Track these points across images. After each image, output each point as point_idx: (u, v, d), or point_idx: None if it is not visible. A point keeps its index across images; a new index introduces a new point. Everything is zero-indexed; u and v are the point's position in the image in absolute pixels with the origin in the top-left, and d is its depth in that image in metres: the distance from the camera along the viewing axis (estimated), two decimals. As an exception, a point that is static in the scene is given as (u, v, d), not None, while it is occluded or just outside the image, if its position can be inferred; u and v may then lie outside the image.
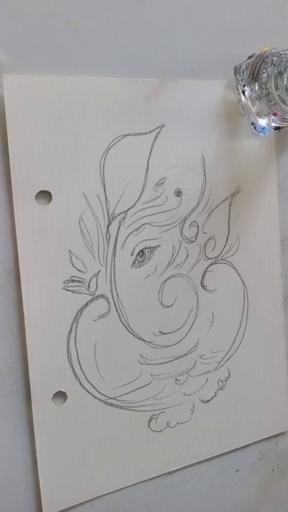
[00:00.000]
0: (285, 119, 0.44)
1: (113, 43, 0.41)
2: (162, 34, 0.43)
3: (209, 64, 0.45)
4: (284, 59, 0.41)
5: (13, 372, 0.40)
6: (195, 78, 0.45)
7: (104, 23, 0.41)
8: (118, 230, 0.42)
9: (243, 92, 0.45)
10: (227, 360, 0.49)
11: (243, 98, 0.45)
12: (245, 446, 0.51)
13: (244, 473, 0.52)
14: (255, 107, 0.45)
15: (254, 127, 0.47)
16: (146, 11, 0.42)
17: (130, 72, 0.42)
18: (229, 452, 0.51)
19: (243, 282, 0.49)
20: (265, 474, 0.54)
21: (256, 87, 0.43)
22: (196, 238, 0.46)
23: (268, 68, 0.42)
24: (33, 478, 0.42)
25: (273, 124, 0.45)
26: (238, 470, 0.52)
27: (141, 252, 0.43)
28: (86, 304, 0.42)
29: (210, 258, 0.47)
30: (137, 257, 0.43)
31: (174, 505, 0.49)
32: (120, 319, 0.43)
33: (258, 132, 0.47)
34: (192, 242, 0.46)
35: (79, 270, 0.41)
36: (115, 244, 0.42)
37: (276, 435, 0.53)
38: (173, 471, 0.48)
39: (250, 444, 0.52)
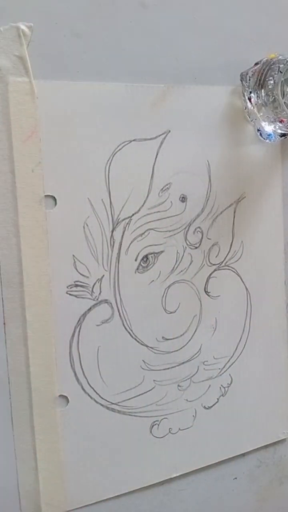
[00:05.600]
0: (291, 126, 0.44)
1: (116, 49, 0.41)
2: (165, 40, 0.43)
3: (213, 71, 0.45)
4: (291, 67, 0.41)
5: (15, 376, 0.40)
6: (199, 84, 0.45)
7: (107, 29, 0.41)
8: (122, 235, 0.42)
9: (249, 99, 0.45)
10: (229, 366, 0.49)
11: (249, 104, 0.45)
12: (243, 454, 0.51)
13: (242, 481, 0.52)
14: (261, 114, 0.45)
15: (260, 134, 0.46)
16: (150, 17, 0.42)
17: (133, 79, 0.42)
18: (227, 460, 0.50)
19: (246, 289, 0.49)
20: (263, 482, 0.54)
21: (263, 94, 0.43)
22: (200, 244, 0.46)
23: (275, 75, 0.42)
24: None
25: (279, 131, 0.45)
26: (236, 478, 0.52)
27: (145, 257, 0.43)
28: (90, 309, 0.42)
29: (214, 264, 0.47)
30: (141, 263, 0.43)
31: (173, 512, 0.48)
32: (123, 325, 0.43)
33: (264, 138, 0.47)
34: (196, 248, 0.46)
35: (82, 275, 0.41)
36: (119, 249, 0.42)
37: (275, 443, 0.53)
38: (171, 478, 0.47)
39: (248, 452, 0.51)
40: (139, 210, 0.43)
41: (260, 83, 0.43)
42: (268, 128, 0.45)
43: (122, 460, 0.45)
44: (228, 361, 0.49)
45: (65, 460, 0.42)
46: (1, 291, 0.39)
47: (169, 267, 0.45)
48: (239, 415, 0.50)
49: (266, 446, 0.53)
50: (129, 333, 0.43)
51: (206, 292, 0.47)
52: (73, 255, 0.41)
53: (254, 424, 0.51)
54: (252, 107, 0.45)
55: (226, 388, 0.49)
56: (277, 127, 0.45)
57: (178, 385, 0.46)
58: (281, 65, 0.42)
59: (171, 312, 0.45)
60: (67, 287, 0.41)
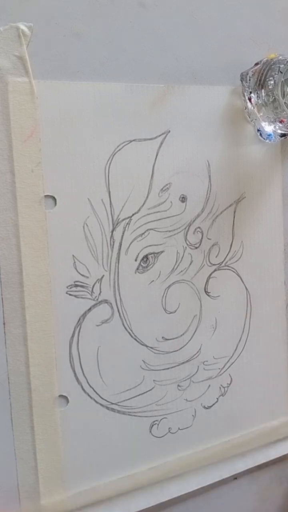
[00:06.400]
0: (291, 126, 0.44)
1: (115, 49, 0.41)
2: (165, 40, 0.43)
3: (212, 71, 0.45)
4: (291, 67, 0.41)
5: (15, 376, 0.40)
6: (198, 84, 0.45)
7: (107, 29, 0.41)
8: (122, 236, 0.42)
9: (249, 99, 0.45)
10: (229, 366, 0.49)
11: (249, 104, 0.45)
12: (243, 454, 0.51)
13: (242, 481, 0.52)
14: (261, 114, 0.45)
15: (260, 134, 0.46)
16: (149, 17, 0.42)
17: (133, 79, 0.42)
18: (227, 459, 0.50)
19: (246, 289, 0.49)
20: (263, 482, 0.54)
21: (263, 94, 0.43)
22: (200, 244, 0.46)
23: (275, 76, 0.42)
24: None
25: (279, 131, 0.45)
26: (236, 478, 0.52)
27: (145, 257, 0.43)
28: (89, 309, 0.42)
29: (214, 264, 0.47)
30: (141, 263, 0.43)
31: None
32: (123, 325, 0.43)
33: (264, 139, 0.47)
34: (196, 248, 0.46)
35: (82, 275, 0.41)
36: (119, 249, 0.42)
37: (275, 442, 0.53)
38: (171, 478, 0.47)
39: (248, 451, 0.51)
40: (139, 210, 0.43)
41: (260, 83, 0.43)
42: (268, 128, 0.45)
43: (121, 460, 0.45)
44: (228, 361, 0.49)
45: (65, 460, 0.42)
46: (1, 291, 0.39)
47: (169, 267, 0.45)
48: (238, 414, 0.50)
49: (266, 446, 0.53)
50: (129, 333, 0.43)
51: (206, 292, 0.47)
52: (73, 255, 0.41)
53: (254, 424, 0.51)
54: (252, 107, 0.45)
55: (226, 388, 0.49)
56: (277, 127, 0.45)
57: (178, 385, 0.46)
58: (281, 65, 0.42)
59: (171, 312, 0.45)
60: (67, 287, 0.41)
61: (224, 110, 0.46)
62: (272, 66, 0.43)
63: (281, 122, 0.43)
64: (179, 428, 0.47)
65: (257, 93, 0.44)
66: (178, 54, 0.44)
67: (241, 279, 0.48)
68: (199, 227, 0.46)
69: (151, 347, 0.44)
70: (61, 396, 0.41)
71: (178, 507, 0.49)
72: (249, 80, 0.44)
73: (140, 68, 0.42)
